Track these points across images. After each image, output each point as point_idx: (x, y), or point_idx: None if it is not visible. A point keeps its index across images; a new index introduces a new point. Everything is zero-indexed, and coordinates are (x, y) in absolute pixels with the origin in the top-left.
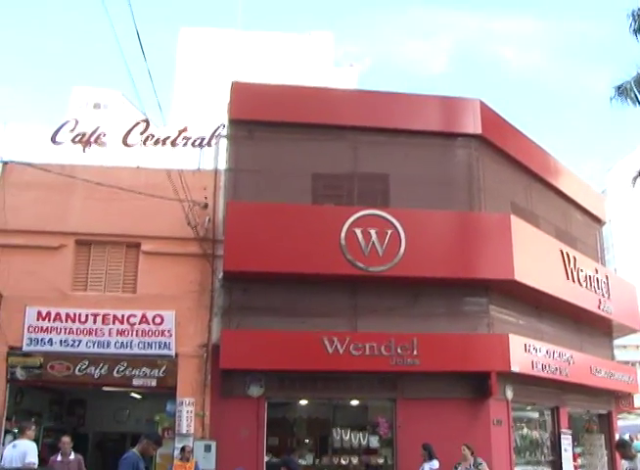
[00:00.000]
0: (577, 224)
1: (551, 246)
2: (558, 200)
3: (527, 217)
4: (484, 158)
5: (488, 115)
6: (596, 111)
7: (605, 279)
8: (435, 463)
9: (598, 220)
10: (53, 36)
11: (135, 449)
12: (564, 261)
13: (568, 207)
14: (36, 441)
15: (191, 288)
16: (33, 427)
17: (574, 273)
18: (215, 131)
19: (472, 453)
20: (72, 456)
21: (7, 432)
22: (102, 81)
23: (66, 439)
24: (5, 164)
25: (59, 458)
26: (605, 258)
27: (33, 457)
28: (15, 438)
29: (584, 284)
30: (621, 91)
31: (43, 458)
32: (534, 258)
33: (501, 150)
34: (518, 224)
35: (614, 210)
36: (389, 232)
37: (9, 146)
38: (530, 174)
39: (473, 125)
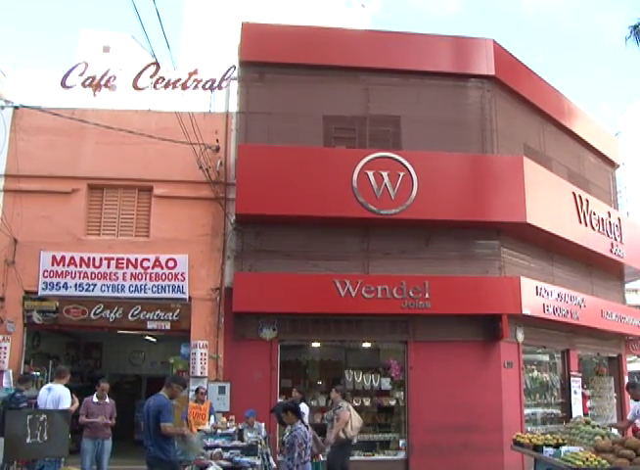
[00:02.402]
0: (590, 167)
1: (563, 189)
2: (571, 142)
3: (540, 160)
4: (497, 99)
5: (502, 55)
6: (610, 52)
7: (617, 222)
8: (305, 407)
9: (611, 163)
10: None
11: (163, 393)
12: (576, 204)
13: (581, 149)
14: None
15: (204, 231)
16: (70, 373)
17: (587, 216)
18: (226, 73)
19: (344, 397)
20: (107, 400)
21: (25, 374)
22: (110, 24)
23: (105, 385)
24: (15, 108)
25: (94, 400)
26: (617, 201)
27: (67, 403)
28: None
29: (596, 227)
30: (638, 31)
31: None
32: (547, 200)
33: (514, 91)
34: (530, 167)
35: (627, 152)
36: (402, 175)
37: (19, 90)
38: (544, 116)
39: (486, 66)
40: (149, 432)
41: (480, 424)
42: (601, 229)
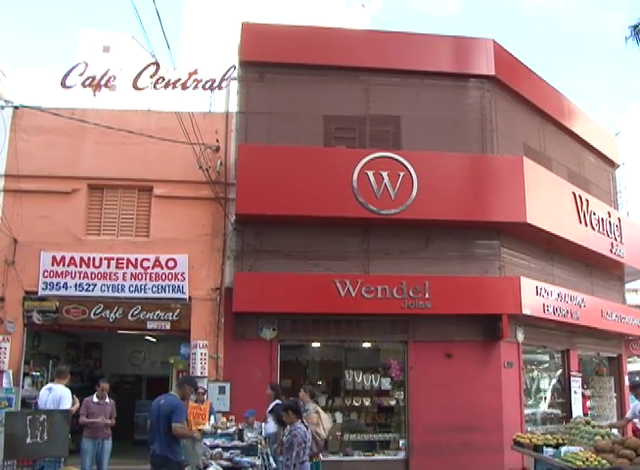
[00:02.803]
0: (590, 167)
1: (563, 188)
2: (571, 142)
3: (540, 160)
4: (497, 99)
5: (502, 55)
6: (610, 52)
7: (617, 222)
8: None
9: (611, 163)
10: None
11: (174, 393)
12: (576, 204)
13: (581, 149)
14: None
15: (204, 231)
16: (70, 373)
17: (587, 216)
18: (226, 73)
19: (312, 397)
20: (107, 400)
21: (25, 375)
22: (110, 24)
23: (105, 385)
24: (15, 108)
25: (95, 400)
26: (617, 201)
27: (68, 404)
28: (32, 380)
29: (596, 227)
30: (638, 31)
31: None
32: (547, 200)
33: (514, 91)
34: (530, 167)
35: (627, 152)
36: (402, 175)
37: (19, 90)
38: (544, 116)
39: (486, 66)
40: (158, 431)
41: (479, 424)
42: (601, 229)
